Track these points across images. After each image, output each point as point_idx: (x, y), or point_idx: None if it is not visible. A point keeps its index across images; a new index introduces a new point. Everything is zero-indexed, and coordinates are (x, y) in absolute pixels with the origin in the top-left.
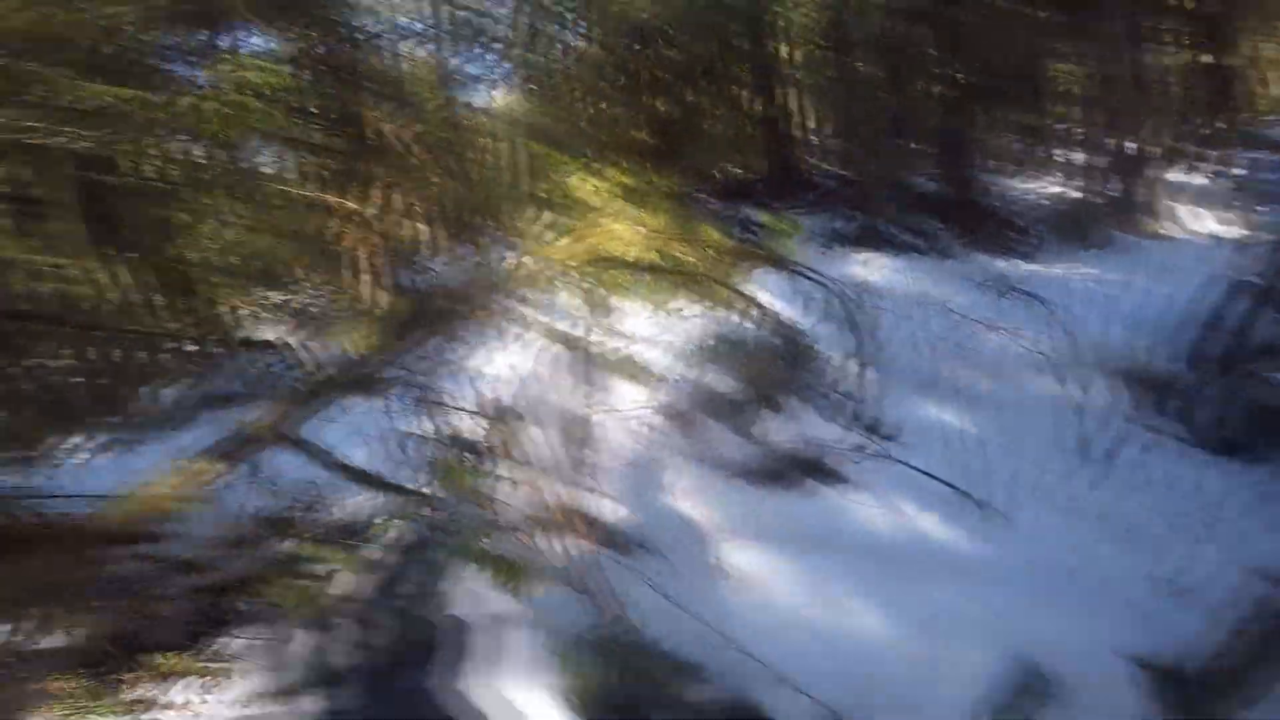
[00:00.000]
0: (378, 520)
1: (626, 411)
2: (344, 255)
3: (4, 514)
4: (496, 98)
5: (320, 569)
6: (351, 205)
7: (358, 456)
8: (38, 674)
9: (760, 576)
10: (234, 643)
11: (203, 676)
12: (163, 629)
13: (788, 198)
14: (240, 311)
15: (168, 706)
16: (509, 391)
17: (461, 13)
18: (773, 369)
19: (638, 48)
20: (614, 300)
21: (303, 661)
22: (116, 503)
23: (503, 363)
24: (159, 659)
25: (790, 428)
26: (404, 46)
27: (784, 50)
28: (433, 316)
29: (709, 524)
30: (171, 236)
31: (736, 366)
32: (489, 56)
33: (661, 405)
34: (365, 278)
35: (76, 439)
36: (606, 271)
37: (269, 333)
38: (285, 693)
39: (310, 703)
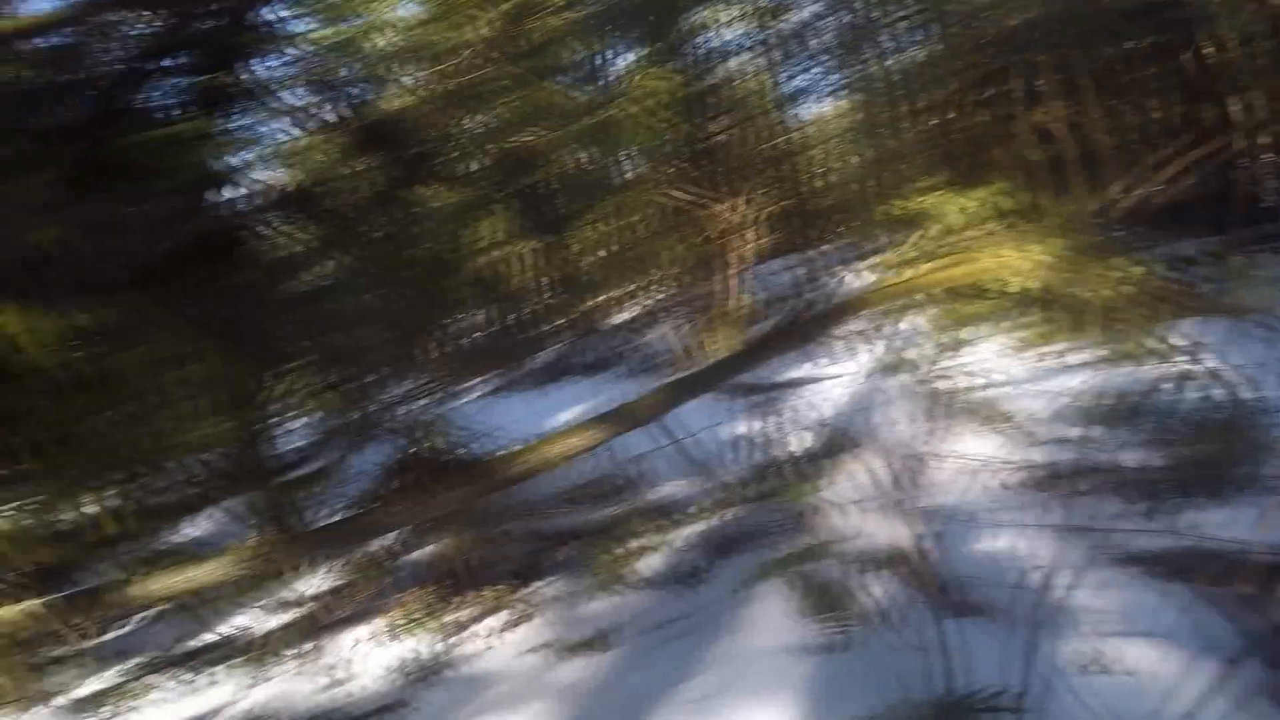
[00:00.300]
0: (694, 508)
1: (980, 461)
2: (712, 259)
3: (429, 442)
4: (834, 108)
5: (633, 542)
6: (721, 210)
7: (696, 446)
8: (401, 583)
9: (1160, 678)
10: (543, 590)
11: (511, 615)
12: (499, 565)
13: (1234, 228)
14: (616, 298)
15: (474, 635)
16: (848, 415)
17: (787, 25)
18: (1206, 444)
19: (1010, 54)
20: (980, 334)
21: (589, 623)
22: (517, 451)
23: (846, 385)
24: (486, 591)
25: (1213, 520)
26: (735, 62)
27: (1223, 47)
28: (786, 330)
29: (1086, 607)
30: (566, 227)
31: (1149, 434)
32: (822, 68)
33: (1029, 463)
34: (730, 282)
35: (476, 382)
36: (975, 301)
37: (636, 321)
38: (566, 647)
39: (582, 664)
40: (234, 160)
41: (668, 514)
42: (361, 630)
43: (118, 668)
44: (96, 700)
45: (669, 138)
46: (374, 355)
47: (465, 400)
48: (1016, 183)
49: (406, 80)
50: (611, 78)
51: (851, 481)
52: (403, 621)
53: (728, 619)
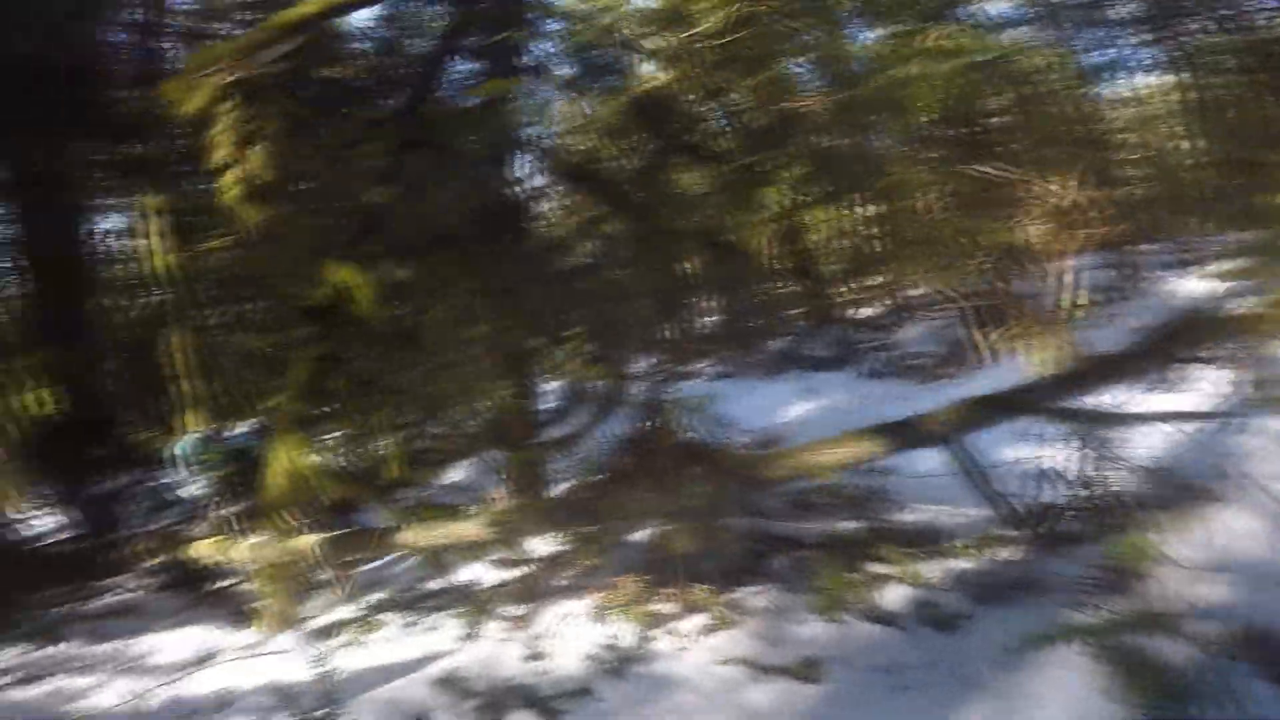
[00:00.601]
0: (964, 541)
1: None
2: (1027, 250)
3: (671, 422)
4: (1169, 83)
5: (876, 567)
6: (1047, 191)
7: (986, 473)
8: (616, 565)
9: None
10: (753, 600)
11: (714, 618)
12: (715, 562)
13: None
14: (882, 287)
15: (674, 632)
16: (1199, 459)
17: None
18: None
19: None
20: None
21: (798, 647)
22: (776, 451)
23: (1193, 422)
24: (696, 588)
25: None
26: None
27: None
28: (1136, 351)
29: None
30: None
31: None
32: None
33: None
34: (1056, 279)
35: (712, 364)
36: None
37: (901, 314)
38: (766, 668)
39: (781, 689)
40: (522, 133)
41: (928, 542)
42: (570, 606)
43: (358, 603)
44: (332, 630)
45: (970, 105)
46: (630, 331)
47: (699, 382)
48: None
49: (670, 45)
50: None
51: (1194, 541)
52: (610, 604)
53: (991, 678)
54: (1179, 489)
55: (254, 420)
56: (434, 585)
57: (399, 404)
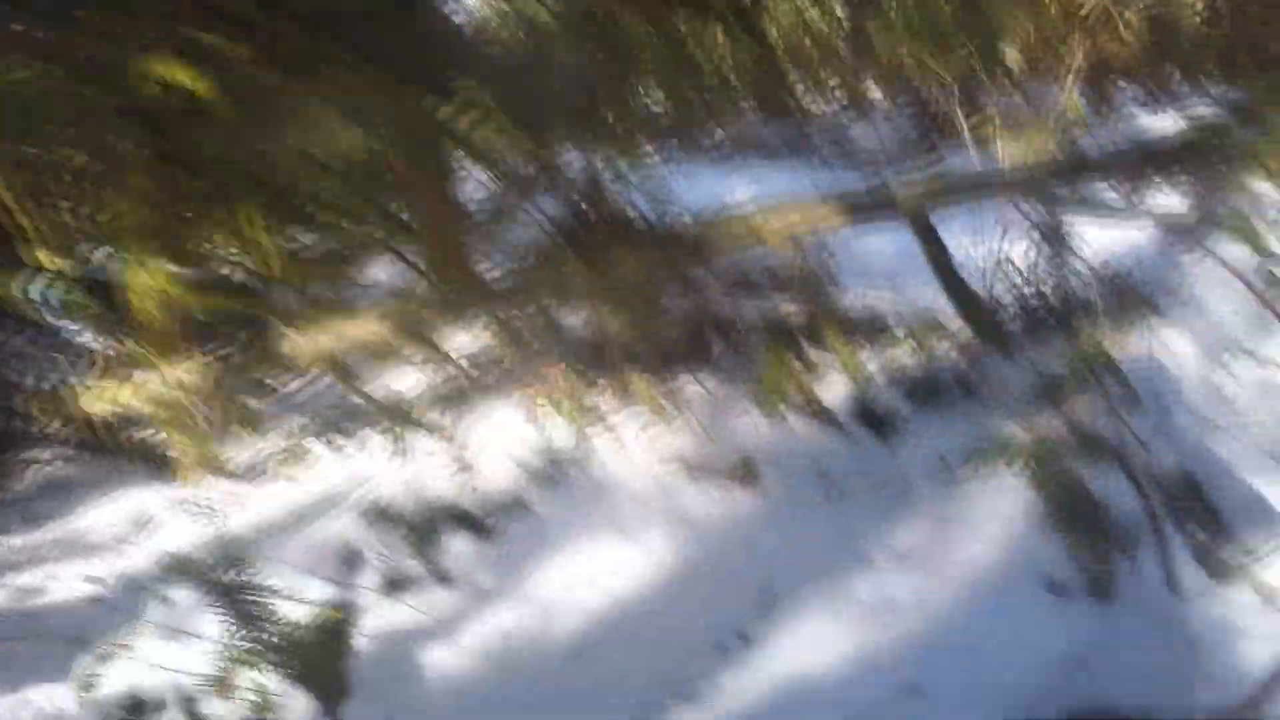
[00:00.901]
0: (906, 332)
1: None
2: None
3: (614, 208)
4: None
5: (818, 355)
6: None
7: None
8: (548, 356)
9: None
10: (694, 389)
11: (653, 412)
12: (654, 347)
13: None
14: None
15: (610, 427)
16: (1158, 275)
17: None
18: None
19: None
20: None
21: (737, 445)
22: (719, 220)
23: (1163, 238)
24: (634, 377)
25: None
26: None
27: None
28: (1126, 154)
29: None
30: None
31: None
32: None
33: None
34: (1060, 83)
35: (657, 147)
36: None
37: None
38: (704, 469)
39: (717, 496)
40: None
41: (872, 329)
42: (500, 406)
43: (280, 430)
44: (260, 466)
45: None
46: (561, 107)
47: (649, 165)
48: None
49: None
50: None
51: (1140, 360)
52: (542, 400)
53: (924, 495)
54: (1130, 298)
55: (108, 244)
56: (358, 400)
57: (271, 195)
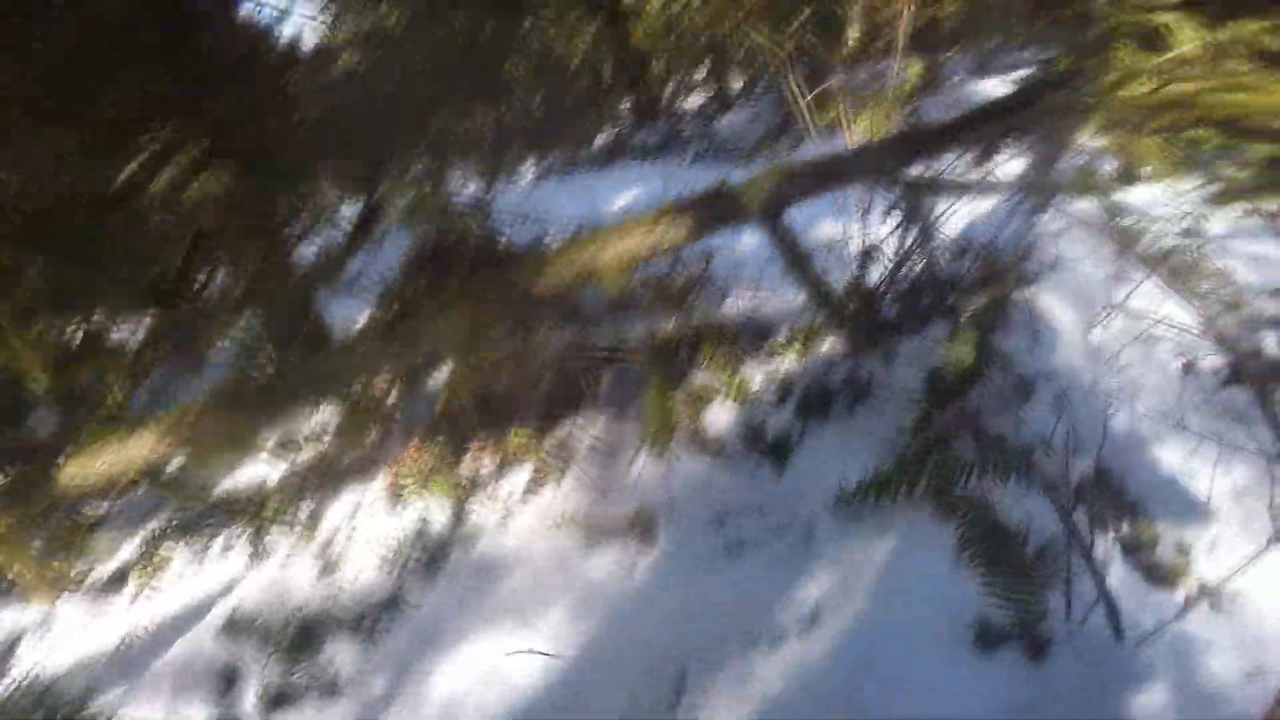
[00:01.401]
0: (786, 333)
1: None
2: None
3: (463, 227)
4: None
5: (701, 377)
6: None
7: (805, 253)
8: (410, 425)
9: None
10: (577, 437)
11: (536, 470)
12: (527, 397)
13: None
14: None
15: (492, 496)
16: (1013, 239)
17: None
18: None
19: None
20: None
21: (631, 495)
22: (569, 244)
23: (1012, 201)
24: (512, 433)
25: None
26: None
27: None
28: (960, 123)
29: None
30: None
31: None
32: None
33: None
34: (891, 52)
35: (530, 162)
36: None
37: (708, 103)
38: (600, 529)
39: (618, 558)
40: None
41: (751, 339)
42: (361, 493)
43: (134, 538)
44: (121, 578)
45: None
46: (400, 134)
47: (514, 184)
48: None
49: None
50: None
51: (1019, 335)
52: (409, 477)
53: (828, 535)
54: (997, 270)
55: None
56: (199, 504)
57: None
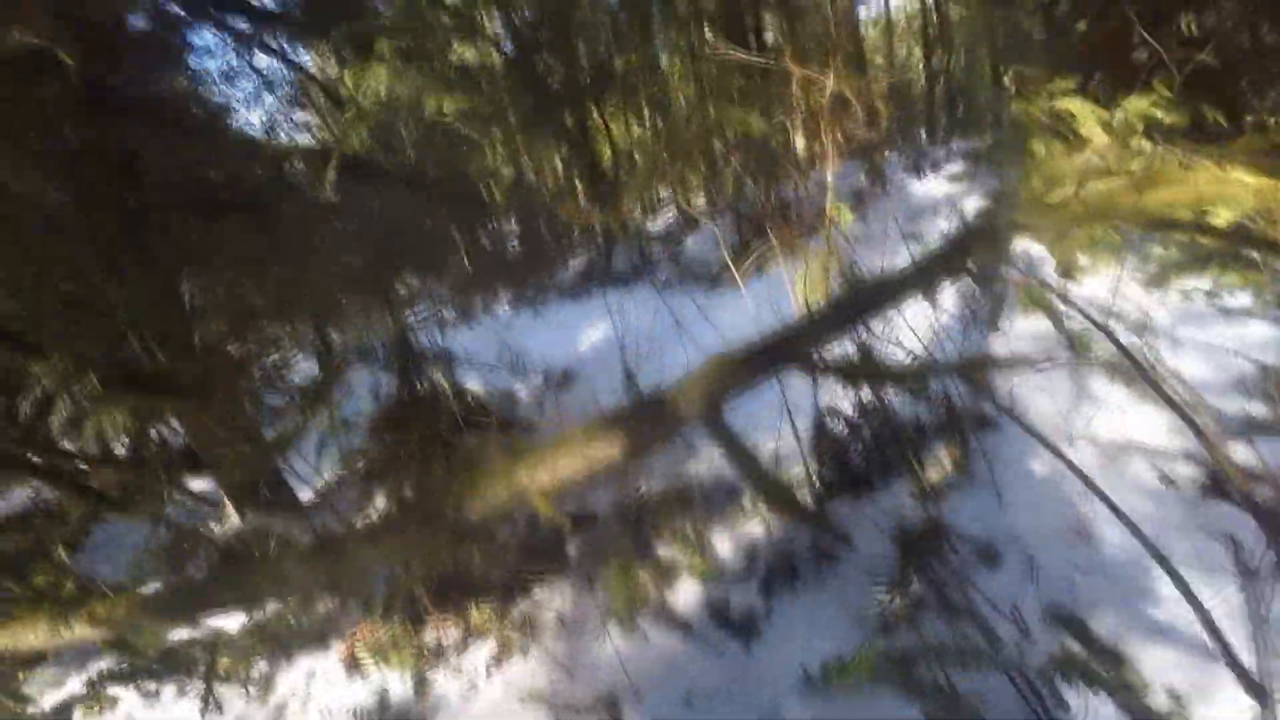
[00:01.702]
0: (748, 503)
1: (1149, 452)
2: (788, 148)
3: (428, 384)
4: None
5: (666, 562)
6: (808, 78)
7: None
8: (368, 597)
9: None
10: (541, 610)
11: (499, 645)
12: (489, 571)
13: None
14: (653, 197)
15: (456, 668)
16: (961, 392)
17: None
18: None
19: None
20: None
21: (598, 673)
22: (540, 452)
23: (975, 339)
24: (473, 608)
25: None
26: None
27: None
28: (905, 277)
29: None
30: (592, 134)
31: None
32: None
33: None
34: (821, 181)
35: (503, 298)
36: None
37: (677, 225)
38: (560, 705)
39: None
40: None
41: (713, 509)
42: (318, 661)
43: (81, 677)
44: (65, 712)
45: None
46: (360, 284)
47: (485, 320)
48: (1165, 91)
49: None
50: None
51: (980, 485)
52: (365, 652)
53: (788, 713)
54: (952, 421)
55: None
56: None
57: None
